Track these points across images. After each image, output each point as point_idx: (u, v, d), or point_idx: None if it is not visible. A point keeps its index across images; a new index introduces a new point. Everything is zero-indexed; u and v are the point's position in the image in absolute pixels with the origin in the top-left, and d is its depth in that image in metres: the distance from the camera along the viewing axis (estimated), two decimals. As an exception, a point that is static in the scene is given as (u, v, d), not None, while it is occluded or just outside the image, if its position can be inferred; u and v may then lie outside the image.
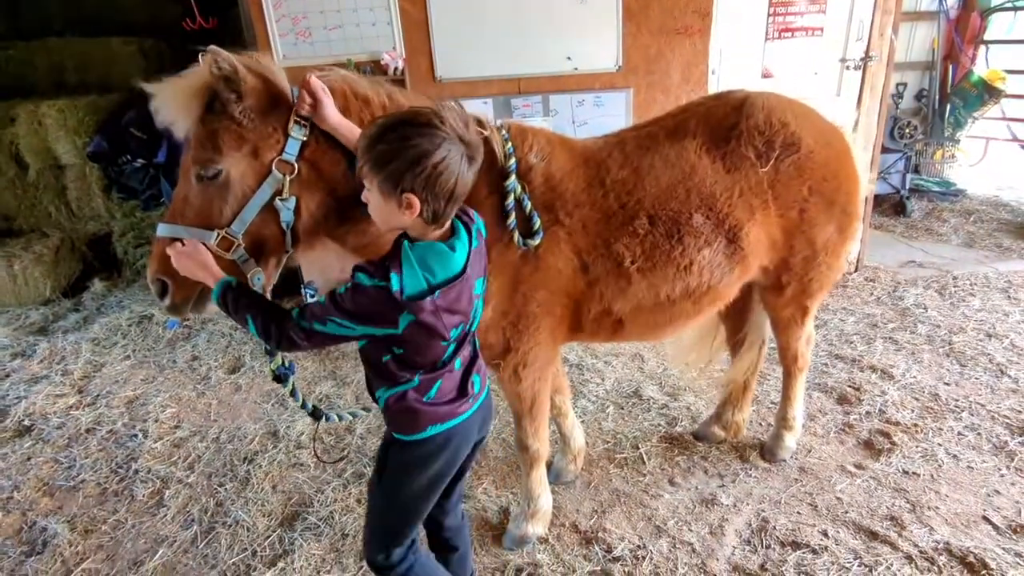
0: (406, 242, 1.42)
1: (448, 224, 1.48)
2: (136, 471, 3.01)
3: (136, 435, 3.28)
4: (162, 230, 1.70)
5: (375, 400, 1.64)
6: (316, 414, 1.98)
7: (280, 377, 1.85)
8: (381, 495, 1.71)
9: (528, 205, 1.95)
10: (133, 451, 3.16)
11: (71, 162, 5.24)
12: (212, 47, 1.58)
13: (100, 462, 3.10)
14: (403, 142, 1.33)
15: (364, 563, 2.38)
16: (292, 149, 1.69)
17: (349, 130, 1.71)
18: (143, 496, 2.85)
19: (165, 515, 2.73)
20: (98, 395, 3.68)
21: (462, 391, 1.63)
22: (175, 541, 2.59)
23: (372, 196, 1.42)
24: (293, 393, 1.92)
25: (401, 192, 1.34)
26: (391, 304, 1.39)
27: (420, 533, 1.81)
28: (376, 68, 3.98)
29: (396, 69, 3.97)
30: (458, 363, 1.60)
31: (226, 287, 1.57)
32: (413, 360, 1.53)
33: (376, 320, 1.43)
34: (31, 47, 5.65)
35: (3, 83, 5.58)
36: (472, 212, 1.60)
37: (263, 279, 1.75)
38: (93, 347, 4.21)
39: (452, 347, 1.56)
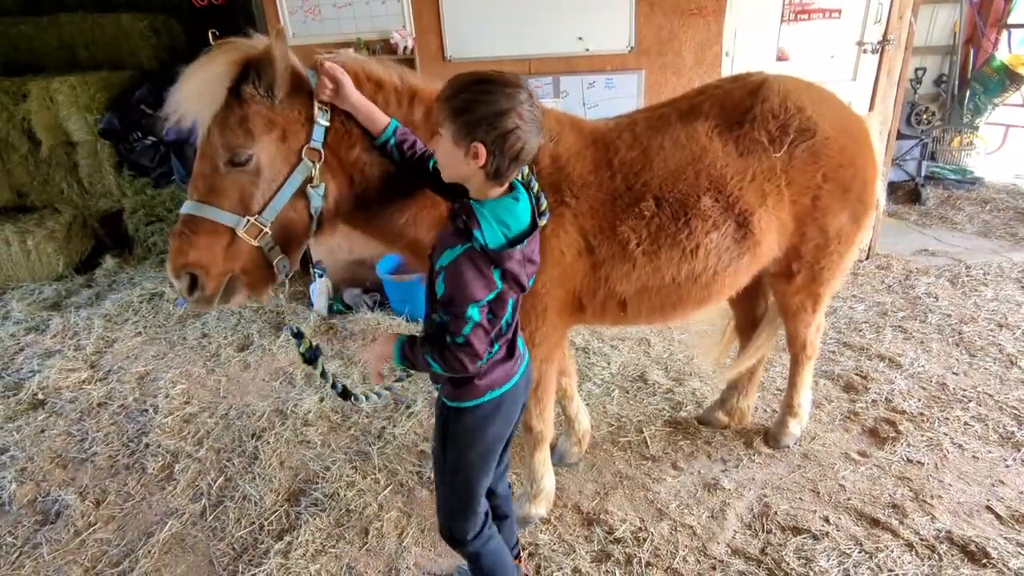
0: (474, 202, 1.48)
1: (507, 185, 1.53)
2: (147, 445, 3.06)
3: (147, 410, 3.34)
4: (188, 208, 1.66)
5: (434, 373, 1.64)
6: (345, 394, 1.96)
7: (310, 359, 1.83)
8: (446, 464, 1.76)
9: (535, 185, 1.93)
10: (144, 425, 3.21)
11: (83, 139, 5.25)
12: (278, 27, 1.60)
13: (112, 436, 3.15)
14: (487, 96, 1.38)
15: (370, 538, 2.43)
16: (318, 135, 1.70)
17: (368, 109, 1.71)
18: (153, 469, 2.90)
19: (175, 488, 2.78)
20: (110, 370, 3.74)
21: (511, 351, 1.67)
22: (184, 514, 2.64)
23: (443, 143, 1.46)
24: (324, 374, 1.91)
25: (472, 141, 1.39)
26: (483, 261, 1.45)
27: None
28: (385, 47, 3.95)
29: (405, 48, 3.94)
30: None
31: (402, 347, 1.59)
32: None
33: (480, 288, 1.45)
34: (42, 23, 5.64)
35: (15, 59, 5.60)
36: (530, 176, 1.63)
37: (288, 266, 1.76)
38: (105, 323, 4.27)
39: (511, 303, 1.59)
